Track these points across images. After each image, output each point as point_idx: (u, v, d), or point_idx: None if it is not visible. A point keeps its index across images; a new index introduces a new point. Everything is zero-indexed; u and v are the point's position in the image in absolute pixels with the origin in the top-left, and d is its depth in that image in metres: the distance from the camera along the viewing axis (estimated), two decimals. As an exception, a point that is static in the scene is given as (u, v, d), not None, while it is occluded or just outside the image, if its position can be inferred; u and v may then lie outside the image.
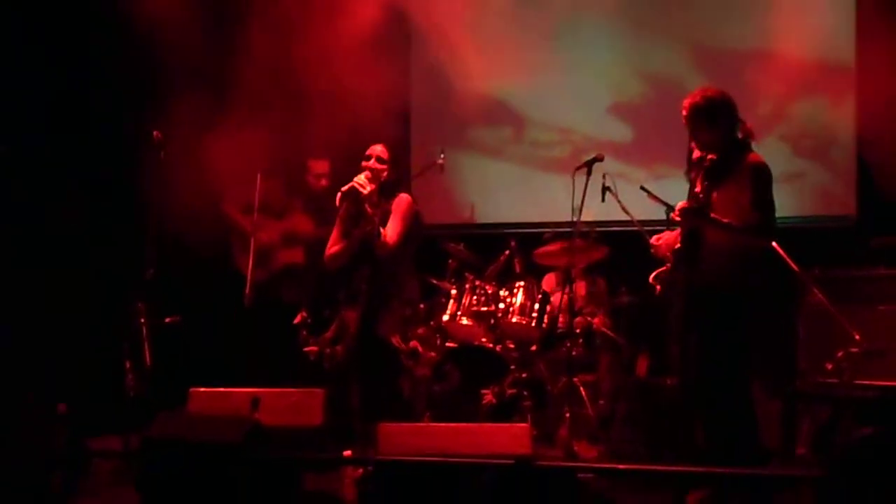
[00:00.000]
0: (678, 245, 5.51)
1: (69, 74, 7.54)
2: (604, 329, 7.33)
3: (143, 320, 6.42)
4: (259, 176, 7.13)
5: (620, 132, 8.49)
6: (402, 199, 5.96)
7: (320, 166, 7.40)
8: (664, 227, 5.93)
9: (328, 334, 6.84)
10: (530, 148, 8.75)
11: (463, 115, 8.71)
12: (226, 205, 7.37)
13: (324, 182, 7.36)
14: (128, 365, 6.38)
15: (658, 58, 8.42)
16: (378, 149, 5.97)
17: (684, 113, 5.44)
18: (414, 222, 5.95)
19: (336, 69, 7.61)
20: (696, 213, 5.34)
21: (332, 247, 6.04)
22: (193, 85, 7.13)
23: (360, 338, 5.87)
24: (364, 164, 5.93)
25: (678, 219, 5.42)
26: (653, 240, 5.64)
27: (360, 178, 5.75)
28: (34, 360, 6.73)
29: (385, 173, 5.92)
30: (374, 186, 5.77)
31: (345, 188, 5.73)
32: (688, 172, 5.67)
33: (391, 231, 5.81)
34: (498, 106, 8.73)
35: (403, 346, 6.08)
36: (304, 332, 6.93)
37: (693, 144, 5.70)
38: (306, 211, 7.37)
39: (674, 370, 6.21)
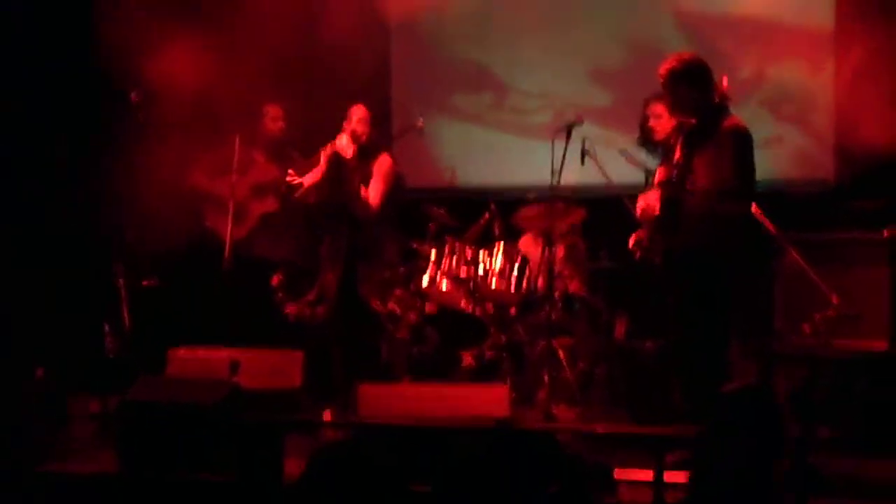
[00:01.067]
0: (657, 212, 5.48)
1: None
2: (582, 293, 7.32)
3: (121, 282, 6.41)
4: (237, 138, 7.04)
5: (600, 97, 8.41)
6: (384, 160, 5.96)
7: (275, 110, 7.27)
8: (643, 192, 5.92)
9: (309, 296, 6.85)
10: (511, 113, 8.68)
11: (444, 80, 8.66)
12: (193, 175, 7.25)
13: (280, 124, 7.23)
14: (106, 327, 6.35)
15: (638, 23, 8.34)
16: (359, 110, 5.95)
17: (661, 79, 5.43)
18: (395, 183, 5.98)
19: (316, 27, 7.60)
20: (673, 187, 5.34)
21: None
22: (160, 41, 7.05)
23: (341, 299, 5.86)
24: (345, 124, 5.90)
25: (661, 186, 5.44)
26: (640, 203, 5.61)
27: (343, 140, 5.72)
28: (11, 323, 6.68)
29: (365, 135, 5.88)
30: (354, 147, 5.74)
31: (327, 149, 5.70)
32: (640, 141, 5.85)
33: (373, 192, 5.82)
34: (478, 71, 8.62)
35: (382, 308, 6.07)
36: (281, 294, 6.93)
37: (649, 110, 5.73)
38: (268, 158, 7.25)
39: (652, 333, 6.24)
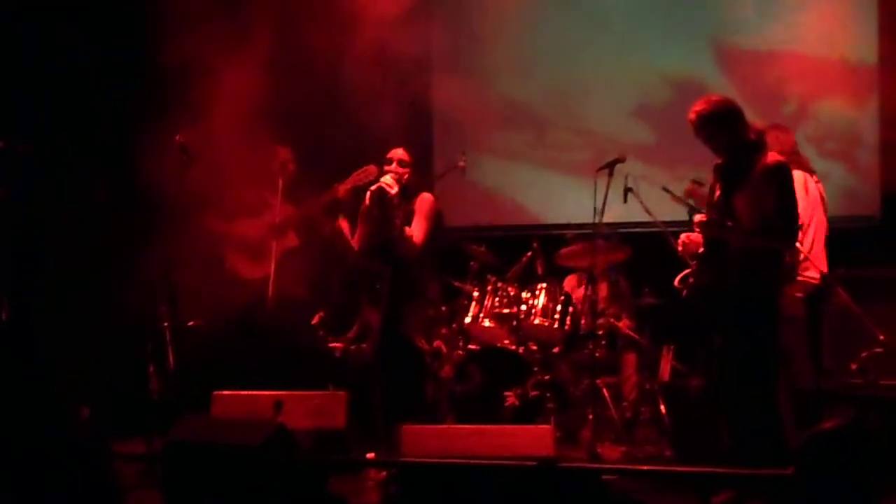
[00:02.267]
0: (701, 249, 5.49)
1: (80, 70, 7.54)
2: (627, 330, 7.32)
3: (166, 324, 6.43)
4: (280, 180, 7.11)
5: (642, 134, 8.47)
6: (425, 198, 6.00)
7: (285, 153, 7.33)
8: (686, 229, 5.87)
9: (350, 334, 6.89)
10: (552, 150, 8.72)
11: (485, 119, 8.72)
12: (210, 219, 7.33)
13: (290, 167, 7.29)
14: (151, 368, 6.38)
15: (680, 59, 8.40)
16: (399, 152, 6.04)
17: (692, 123, 5.44)
18: (437, 221, 6.00)
19: (358, 73, 7.60)
20: (713, 226, 5.35)
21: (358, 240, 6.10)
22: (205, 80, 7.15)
23: (384, 338, 5.86)
24: (386, 167, 5.97)
25: (698, 231, 5.43)
26: (682, 237, 5.60)
27: (387, 179, 5.79)
28: (58, 363, 6.74)
29: (406, 175, 5.94)
30: (397, 187, 5.79)
31: (373, 188, 5.77)
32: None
33: (416, 230, 5.85)
34: (520, 109, 8.74)
35: (427, 346, 6.08)
36: (322, 332, 6.97)
37: None
38: (282, 198, 7.29)
39: (699, 372, 6.21)
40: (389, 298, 5.91)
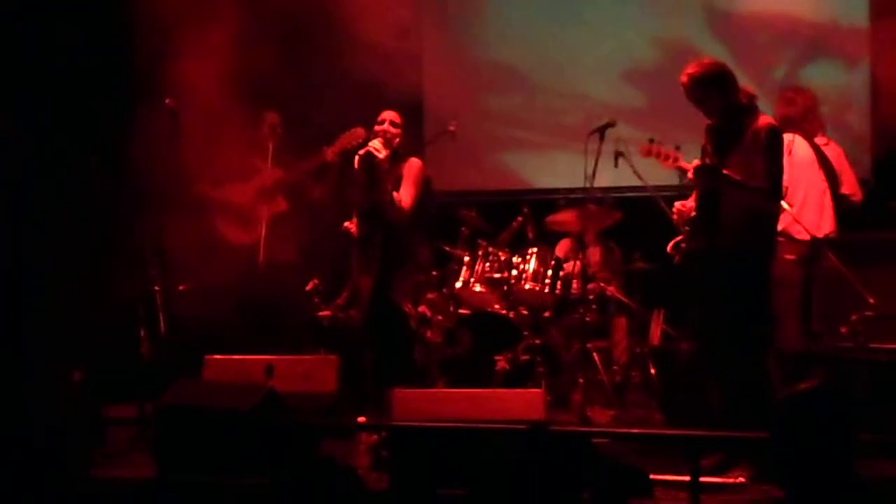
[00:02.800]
0: (694, 213, 5.50)
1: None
2: (617, 295, 7.33)
3: (157, 288, 6.43)
4: (269, 144, 7.12)
5: (634, 98, 8.46)
6: (413, 163, 5.96)
7: (273, 117, 7.35)
8: (677, 193, 5.91)
9: (340, 300, 6.90)
10: (543, 115, 8.70)
11: (475, 83, 8.72)
12: (199, 185, 7.32)
13: (279, 131, 7.31)
14: (142, 332, 6.39)
15: (670, 23, 8.36)
16: (390, 114, 6.00)
17: (683, 86, 5.45)
18: (426, 187, 5.95)
19: (347, 35, 7.55)
20: (710, 171, 5.34)
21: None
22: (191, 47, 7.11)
23: (374, 303, 5.87)
24: (377, 128, 5.94)
25: (692, 177, 5.41)
26: (677, 204, 5.61)
27: (375, 143, 5.76)
28: (49, 327, 6.76)
29: (397, 139, 5.92)
30: (387, 151, 5.77)
31: (361, 152, 5.75)
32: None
33: (405, 196, 5.82)
34: (510, 73, 8.72)
35: (413, 311, 6.09)
36: (317, 299, 6.98)
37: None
38: (271, 163, 7.30)
39: (688, 336, 6.26)
40: (379, 264, 5.89)
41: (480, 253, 7.23)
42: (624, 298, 7.34)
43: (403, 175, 5.89)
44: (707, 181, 5.38)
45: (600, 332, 7.25)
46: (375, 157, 5.71)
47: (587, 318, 6.92)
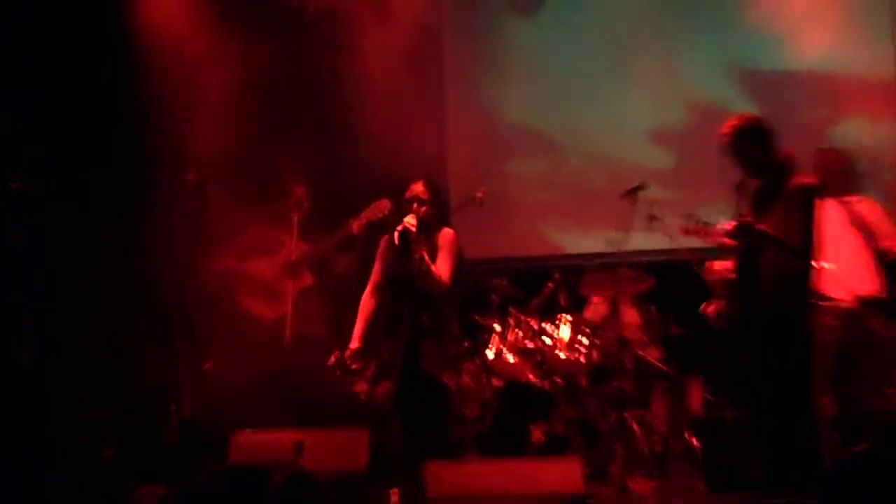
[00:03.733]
0: (732, 276, 5.47)
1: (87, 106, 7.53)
2: (655, 361, 7.26)
3: (182, 366, 6.46)
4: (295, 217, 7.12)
5: (662, 160, 8.48)
6: (447, 234, 5.95)
7: (300, 190, 7.36)
8: (711, 256, 5.87)
9: (368, 373, 6.82)
10: (571, 178, 8.71)
11: (501, 147, 8.80)
12: (223, 259, 7.37)
13: (305, 204, 7.33)
14: (171, 411, 6.40)
15: (698, 82, 8.40)
16: (418, 188, 5.98)
17: (725, 138, 5.47)
18: (460, 257, 5.93)
19: (370, 105, 7.71)
20: (746, 229, 5.32)
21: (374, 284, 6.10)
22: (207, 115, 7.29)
23: (406, 375, 5.80)
24: (404, 205, 5.96)
25: (731, 235, 5.39)
26: (714, 265, 5.60)
27: (410, 219, 5.77)
28: (80, 406, 6.74)
29: (425, 212, 5.92)
30: (416, 223, 5.77)
31: (399, 228, 5.74)
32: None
33: (442, 268, 5.80)
34: (536, 136, 8.77)
35: (454, 383, 6.03)
36: (339, 372, 6.92)
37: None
38: (297, 236, 7.33)
39: (730, 403, 6.20)
40: (411, 335, 5.83)
41: (512, 321, 7.20)
42: (662, 366, 7.25)
43: (440, 246, 5.88)
44: (743, 238, 5.34)
45: (638, 400, 7.13)
46: (412, 233, 5.71)
47: (624, 387, 6.88)
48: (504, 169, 8.83)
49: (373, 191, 6.79)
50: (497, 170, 8.76)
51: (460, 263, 5.93)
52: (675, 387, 7.23)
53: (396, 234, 5.74)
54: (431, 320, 5.86)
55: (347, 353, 6.04)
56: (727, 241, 5.46)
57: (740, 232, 5.32)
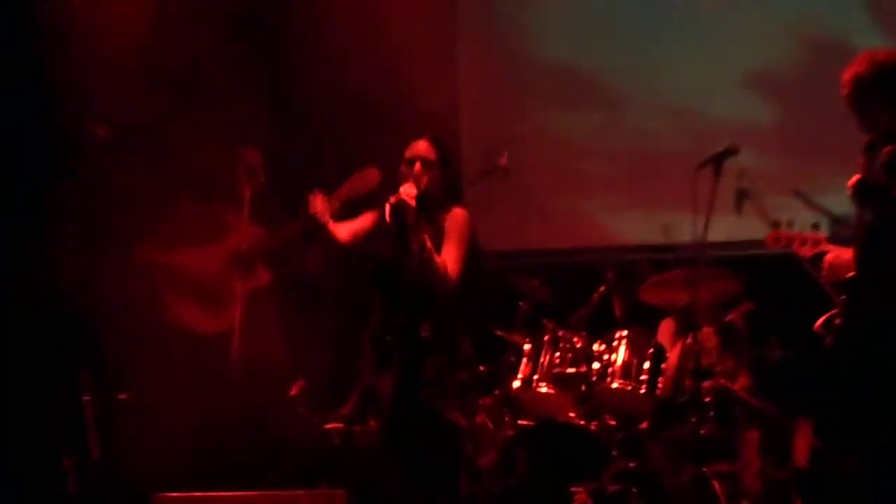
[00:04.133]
0: (851, 273, 5.48)
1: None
2: (746, 396, 7.23)
3: (87, 398, 6.57)
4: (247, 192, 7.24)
5: (762, 114, 8.52)
6: (457, 215, 6.00)
7: (253, 155, 7.44)
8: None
9: (345, 409, 6.87)
10: (632, 138, 8.74)
11: (532, 98, 8.93)
12: (145, 249, 7.44)
13: (260, 175, 7.41)
14: (69, 460, 6.49)
15: (816, 9, 8.47)
16: (421, 147, 6.02)
17: (845, 88, 5.49)
18: (474, 247, 5.97)
19: (350, 39, 8.09)
20: (875, 193, 5.30)
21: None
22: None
23: (399, 411, 5.85)
24: (403, 168, 6.00)
25: (853, 195, 5.37)
26: (826, 258, 5.66)
27: (408, 188, 5.77)
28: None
29: (429, 180, 5.95)
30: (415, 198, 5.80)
31: (392, 200, 5.75)
32: None
33: (449, 260, 5.85)
34: (583, 81, 8.83)
35: (464, 421, 6.06)
36: (303, 409, 7.14)
37: None
38: (249, 218, 7.40)
39: (850, 451, 6.02)
40: (406, 356, 5.88)
41: (547, 339, 7.25)
42: (755, 401, 7.22)
43: (446, 231, 5.93)
44: (870, 205, 5.33)
45: (722, 449, 7.08)
46: (409, 206, 5.77)
47: (702, 431, 6.87)
48: (536, 127, 8.90)
49: (353, 158, 6.76)
50: (527, 129, 8.83)
51: (475, 256, 5.98)
52: (773, 431, 7.22)
53: (388, 208, 5.79)
54: (433, 334, 5.93)
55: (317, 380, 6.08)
56: (829, 247, 5.48)
57: (865, 194, 5.30)
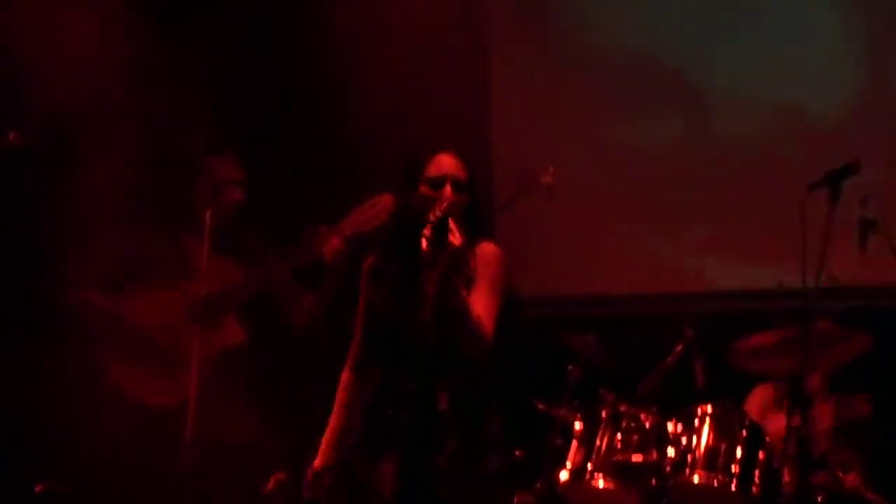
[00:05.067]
0: None
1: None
2: (866, 493, 7.07)
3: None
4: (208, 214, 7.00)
5: (889, 115, 8.47)
6: (489, 252, 5.67)
7: (227, 167, 7.24)
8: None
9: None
10: (717, 148, 8.70)
11: (587, 99, 8.84)
12: (81, 292, 7.25)
13: (234, 194, 7.21)
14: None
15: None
16: (450, 163, 5.69)
17: None
18: (509, 293, 5.64)
19: (356, 26, 8.19)
20: None
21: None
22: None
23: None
24: (423, 189, 5.68)
25: None
26: None
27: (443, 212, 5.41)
28: None
29: (460, 205, 5.62)
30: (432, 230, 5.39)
31: (427, 232, 5.33)
32: None
33: (482, 312, 5.50)
34: (654, 78, 8.80)
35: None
36: (281, 507, 6.77)
37: None
38: (223, 252, 7.17)
39: None
40: (415, 437, 5.47)
41: (605, 415, 7.05)
42: (877, 499, 7.08)
43: (478, 272, 5.60)
44: None
45: None
46: (454, 241, 5.39)
47: None
48: (591, 139, 8.82)
49: (358, 184, 6.92)
50: (578, 140, 8.74)
51: (510, 305, 5.65)
52: None
53: (427, 235, 5.30)
54: (453, 408, 5.58)
55: (309, 473, 5.82)
56: None
57: None
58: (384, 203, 6.34)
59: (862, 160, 6.33)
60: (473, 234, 5.70)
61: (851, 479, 7.07)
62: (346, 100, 8.28)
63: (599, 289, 8.50)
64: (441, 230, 5.29)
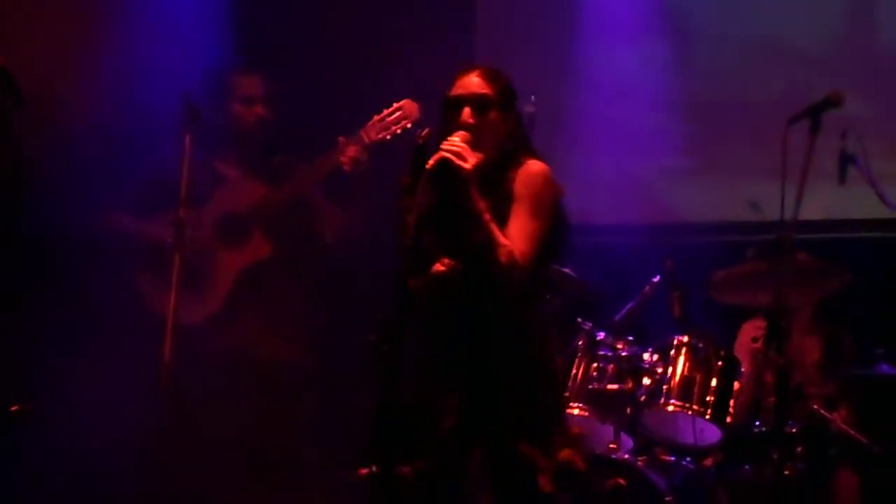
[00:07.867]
0: None
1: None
2: (845, 427, 7.22)
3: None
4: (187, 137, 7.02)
5: (871, 49, 8.56)
6: (533, 172, 5.63)
7: (252, 83, 7.39)
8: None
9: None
10: (700, 82, 8.78)
11: (568, 22, 8.92)
12: (112, 213, 7.44)
13: (259, 110, 7.36)
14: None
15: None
16: (467, 83, 5.66)
17: None
18: (560, 215, 5.68)
19: None
20: None
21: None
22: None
23: (465, 455, 5.47)
24: (445, 110, 5.64)
25: None
26: None
27: (456, 140, 5.47)
28: None
29: (488, 123, 5.61)
30: (474, 159, 5.46)
31: (432, 162, 5.43)
32: None
33: (519, 237, 5.49)
34: (640, 4, 8.87)
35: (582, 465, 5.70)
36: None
37: None
38: (246, 171, 7.45)
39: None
40: (469, 375, 5.54)
41: (581, 344, 7.23)
42: (857, 434, 7.22)
43: (516, 195, 5.58)
44: None
45: (812, 496, 7.10)
46: (461, 169, 5.41)
47: (785, 472, 6.78)
48: (574, 64, 8.89)
49: (384, 92, 7.01)
50: (562, 66, 8.86)
51: (560, 230, 5.70)
52: (880, 475, 7.26)
53: (426, 171, 5.44)
54: (510, 340, 5.56)
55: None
56: None
57: None
58: (407, 109, 6.51)
59: (843, 93, 6.25)
60: (515, 151, 5.67)
61: (838, 418, 7.23)
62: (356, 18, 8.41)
63: (579, 218, 8.47)
64: (441, 168, 5.38)
